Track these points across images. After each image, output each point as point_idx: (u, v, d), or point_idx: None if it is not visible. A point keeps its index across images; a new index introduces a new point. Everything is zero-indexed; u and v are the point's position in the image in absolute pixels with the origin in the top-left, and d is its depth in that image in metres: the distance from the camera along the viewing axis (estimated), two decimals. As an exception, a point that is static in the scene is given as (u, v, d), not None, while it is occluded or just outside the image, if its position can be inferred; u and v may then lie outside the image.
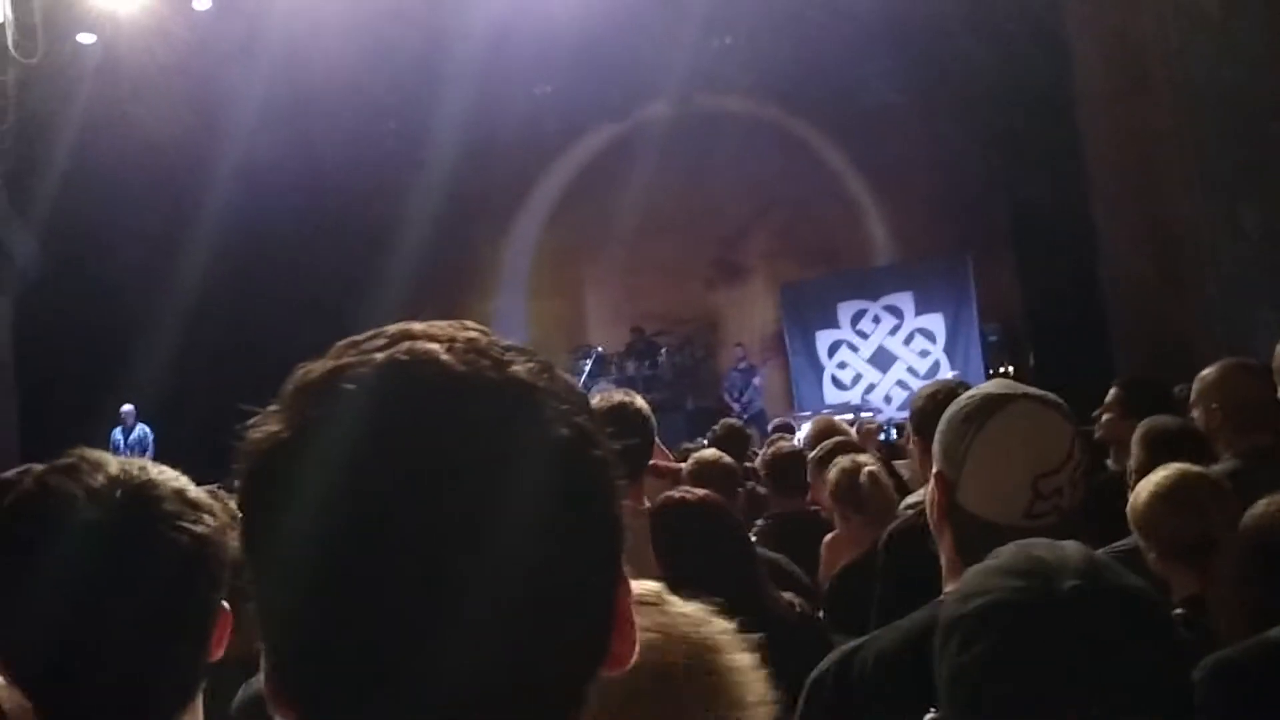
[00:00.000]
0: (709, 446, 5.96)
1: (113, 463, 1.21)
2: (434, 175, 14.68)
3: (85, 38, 11.59)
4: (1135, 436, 3.21)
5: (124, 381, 12.71)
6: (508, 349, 0.71)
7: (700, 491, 3.11)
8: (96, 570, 1.13)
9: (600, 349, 15.34)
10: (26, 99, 10.98)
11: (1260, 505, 2.08)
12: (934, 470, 1.74)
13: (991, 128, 12.89)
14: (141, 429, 12.89)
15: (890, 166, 14.89)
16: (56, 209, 11.36)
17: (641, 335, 15.41)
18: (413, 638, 0.63)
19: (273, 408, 0.70)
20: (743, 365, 14.56)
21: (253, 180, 13.70)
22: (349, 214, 15.77)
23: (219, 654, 1.23)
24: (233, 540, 1.22)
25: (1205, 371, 3.29)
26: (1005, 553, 1.21)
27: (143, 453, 12.82)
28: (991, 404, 1.68)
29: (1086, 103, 9.99)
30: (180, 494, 1.21)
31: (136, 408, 12.84)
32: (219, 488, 1.45)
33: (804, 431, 5.83)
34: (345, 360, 0.69)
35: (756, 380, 14.50)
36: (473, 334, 0.71)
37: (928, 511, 1.77)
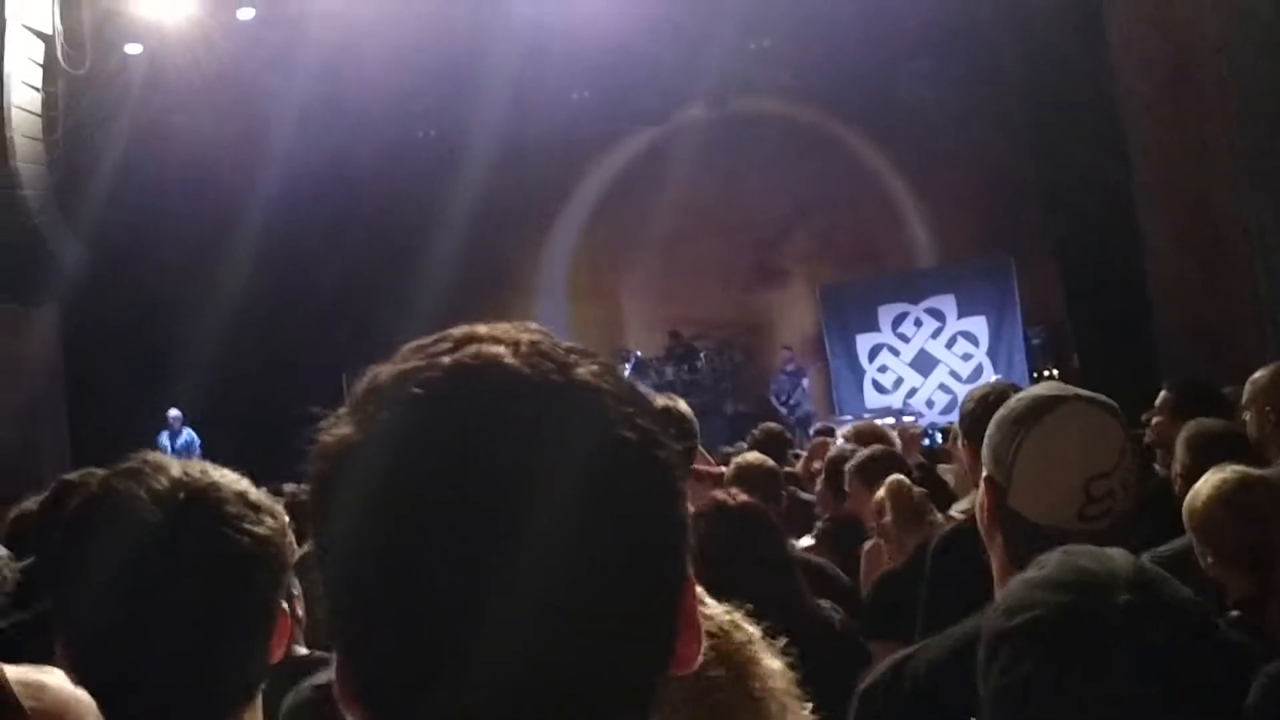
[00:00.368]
0: (749, 451, 5.95)
1: (175, 465, 1.24)
2: (471, 181, 14.75)
3: (132, 48, 11.78)
4: (1180, 439, 3.17)
5: (170, 386, 12.87)
6: (570, 351, 0.72)
7: (742, 497, 3.09)
8: (161, 571, 1.15)
9: (639, 353, 15.34)
10: (75, 109, 11.17)
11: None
12: (984, 474, 1.73)
13: (1032, 128, 12.75)
14: (188, 433, 13.05)
15: (930, 167, 14.79)
16: (104, 217, 11.54)
17: (680, 339, 15.39)
18: (480, 638, 0.64)
19: (343, 410, 0.71)
20: (790, 368, 14.49)
21: (293, 187, 13.84)
22: (388, 220, 15.88)
23: (279, 655, 1.24)
24: (292, 543, 1.23)
25: (1257, 374, 3.24)
26: (1050, 562, 1.17)
27: (190, 457, 12.94)
28: (1042, 406, 1.66)
29: (1129, 101, 9.86)
30: (242, 496, 1.23)
31: (183, 412, 13.00)
32: (266, 491, 1.47)
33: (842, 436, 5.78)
34: (412, 364, 0.70)
35: (805, 383, 14.42)
36: (536, 336, 0.72)
37: (978, 516, 1.76)
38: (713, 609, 1.43)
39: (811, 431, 9.40)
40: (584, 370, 0.70)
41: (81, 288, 11.44)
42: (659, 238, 15.99)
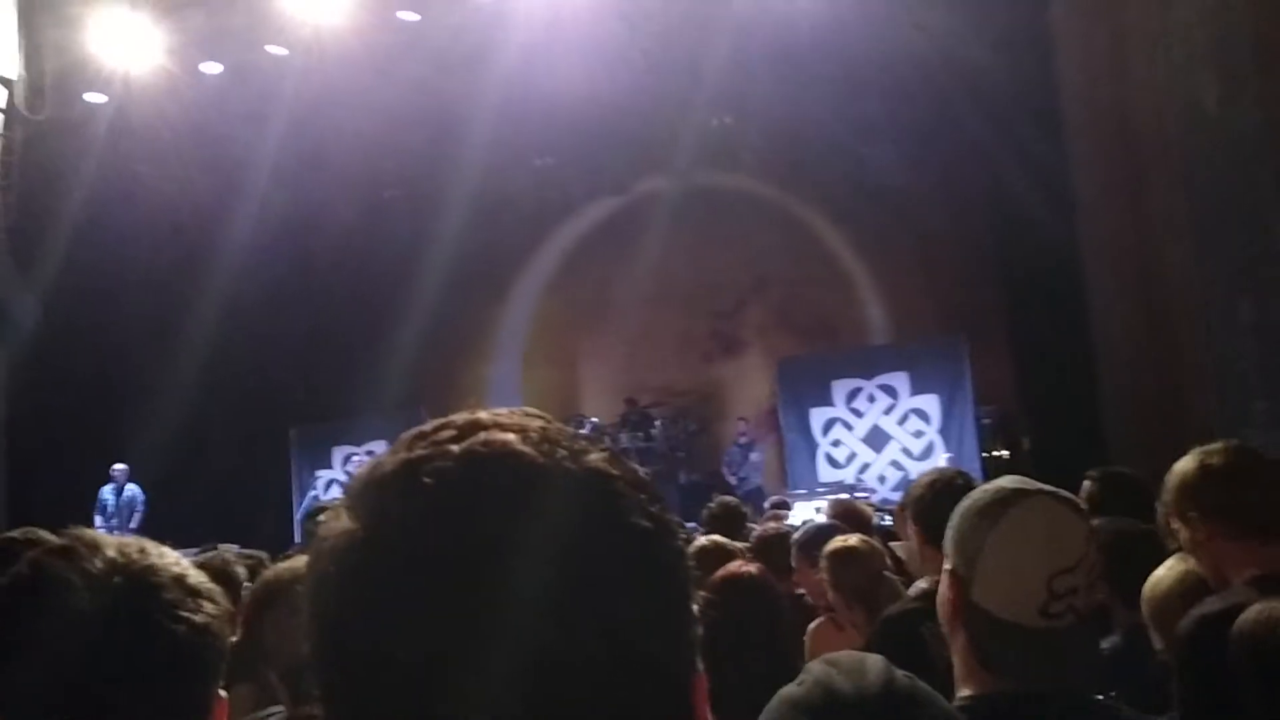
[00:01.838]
0: (704, 525, 5.91)
1: (110, 545, 1.17)
2: (436, 242, 14.78)
3: (96, 98, 11.73)
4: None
5: (119, 441, 12.66)
6: (577, 438, 0.70)
7: (751, 569, 3.06)
8: (93, 661, 1.10)
9: (595, 420, 15.30)
10: (34, 156, 11.07)
11: (1252, 612, 2.05)
12: (946, 567, 1.72)
13: (991, 214, 13.03)
14: (132, 489, 12.78)
15: (887, 247, 15.02)
16: (61, 267, 11.39)
17: (635, 406, 15.38)
18: None
19: (342, 502, 0.69)
20: (743, 440, 14.51)
21: (255, 244, 13.78)
22: (354, 278, 15.84)
23: None
24: (230, 627, 1.19)
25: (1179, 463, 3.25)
26: (809, 678, 1.18)
27: (132, 513, 12.71)
28: (1006, 500, 1.67)
29: (1084, 191, 10.11)
30: (180, 581, 1.17)
31: (130, 468, 12.75)
32: (212, 549, 1.42)
33: (797, 513, 5.75)
34: (418, 453, 0.68)
35: (754, 456, 14.43)
36: (542, 423, 0.71)
37: (939, 609, 1.75)
38: None
39: (766, 505, 9.36)
40: (596, 457, 0.69)
41: (31, 338, 11.24)
42: (618, 305, 16.06)
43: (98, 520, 12.55)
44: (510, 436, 0.68)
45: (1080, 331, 10.39)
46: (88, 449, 12.37)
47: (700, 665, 0.72)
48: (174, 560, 1.20)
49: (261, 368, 14.20)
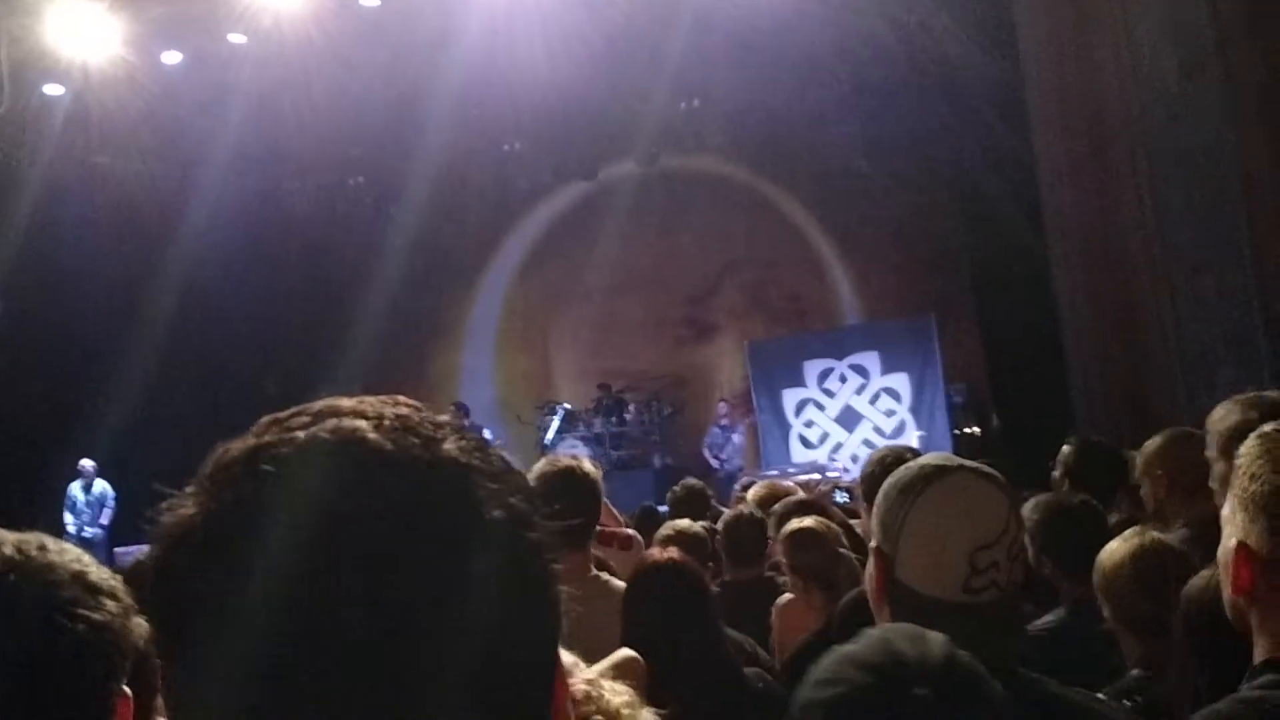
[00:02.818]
0: (669, 507, 5.92)
1: (8, 542, 1.15)
2: (403, 229, 14.73)
3: (53, 89, 11.58)
4: (1029, 507, 3.17)
5: (84, 436, 12.54)
6: (439, 426, 0.68)
7: (672, 553, 3.06)
8: None
9: (567, 405, 15.29)
10: (-9, 149, 10.95)
11: (1200, 578, 2.06)
12: (871, 545, 1.72)
13: (955, 190, 13.07)
14: (101, 485, 12.67)
15: (856, 227, 15.06)
16: (19, 259, 11.27)
17: (609, 391, 15.38)
18: None
19: (189, 489, 0.66)
20: (724, 422, 14.52)
21: (221, 232, 13.69)
22: (316, 267, 15.75)
23: None
24: (136, 626, 1.17)
25: (1150, 441, 3.29)
26: (870, 639, 1.18)
27: (101, 508, 12.61)
28: (927, 476, 1.66)
29: (1048, 166, 10.13)
30: (79, 577, 1.15)
31: (97, 462, 12.64)
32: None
33: (750, 495, 5.75)
34: (266, 439, 0.66)
35: (736, 438, 14.46)
36: (404, 410, 0.68)
37: (867, 587, 1.75)
38: (573, 681, 1.39)
39: (736, 487, 9.39)
40: (451, 445, 0.66)
41: (-6, 332, 11.14)
42: (590, 290, 16.05)
43: (68, 518, 12.46)
44: (361, 423, 0.65)
45: (1047, 307, 10.43)
46: (53, 444, 12.25)
47: (559, 658, 0.69)
48: (75, 557, 1.17)
49: (227, 360, 14.10)
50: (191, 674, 0.63)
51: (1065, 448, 4.08)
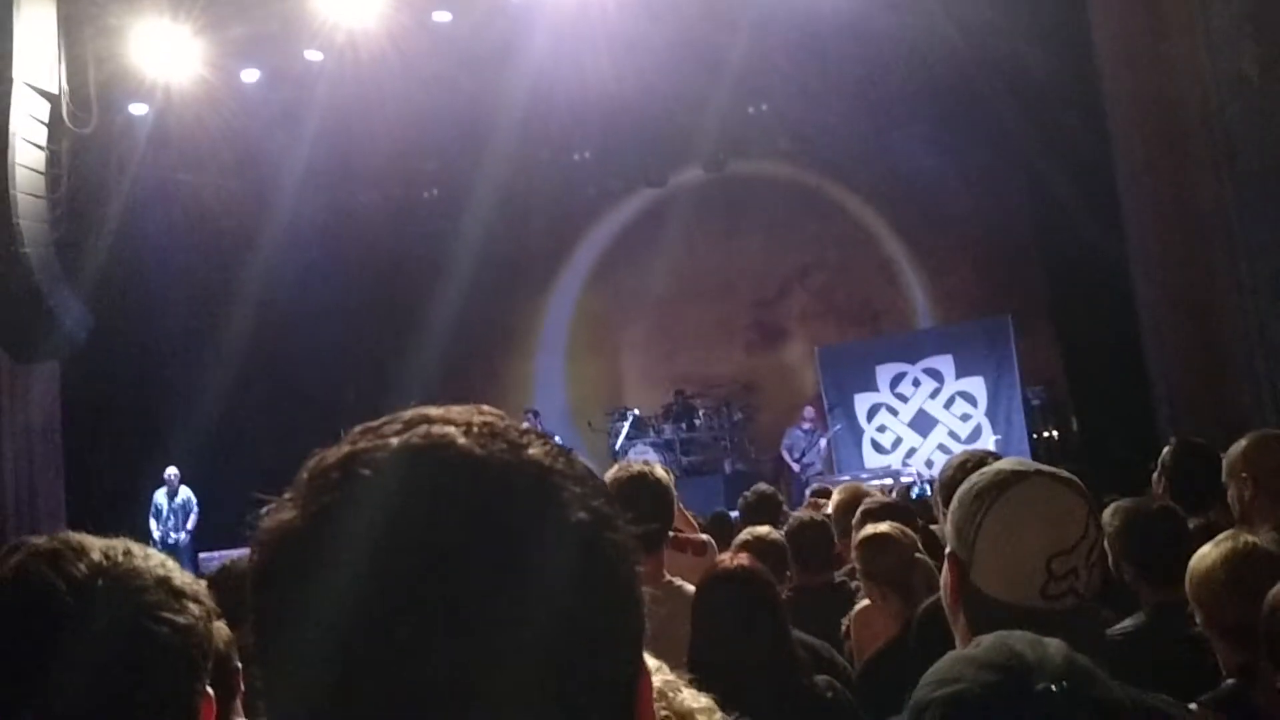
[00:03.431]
0: (740, 513, 5.90)
1: (95, 549, 1.18)
2: (474, 240, 14.88)
3: (137, 108, 11.92)
4: (1109, 513, 3.12)
5: (169, 445, 12.87)
6: (524, 433, 0.70)
7: (742, 560, 3.05)
8: (76, 665, 1.11)
9: (637, 411, 15.32)
10: (79, 167, 11.28)
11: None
12: (947, 550, 1.71)
13: (1028, 191, 12.86)
14: (186, 492, 12.99)
15: (928, 229, 14.90)
16: (106, 275, 11.60)
17: (683, 397, 15.38)
18: None
19: (287, 495, 0.69)
20: (807, 425, 14.41)
21: (296, 246, 13.94)
22: (391, 279, 15.98)
23: None
24: (217, 628, 1.21)
25: (1235, 444, 3.23)
26: (986, 641, 1.18)
27: (186, 516, 12.94)
28: (1004, 482, 1.65)
29: (1125, 165, 9.95)
30: (164, 583, 1.18)
31: (181, 471, 12.96)
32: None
33: (833, 500, 5.71)
34: (360, 445, 0.68)
35: (822, 443, 14.32)
36: (489, 418, 0.70)
37: (942, 593, 1.74)
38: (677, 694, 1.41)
39: (808, 493, 9.34)
40: (536, 450, 0.68)
41: (82, 346, 11.46)
42: (658, 296, 16.08)
43: (153, 525, 12.79)
44: (450, 429, 0.68)
45: (1125, 309, 10.23)
46: (139, 453, 12.58)
47: (644, 662, 0.71)
48: (159, 562, 1.21)
49: (303, 371, 14.36)
50: (285, 672, 0.65)
51: (1165, 450, 4.02)
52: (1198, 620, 2.60)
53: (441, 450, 0.67)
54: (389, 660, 0.61)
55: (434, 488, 0.65)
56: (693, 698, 1.52)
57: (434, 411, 0.71)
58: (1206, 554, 2.60)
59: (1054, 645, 1.14)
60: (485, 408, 0.73)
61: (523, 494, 0.66)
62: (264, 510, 0.69)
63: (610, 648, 0.67)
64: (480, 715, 0.62)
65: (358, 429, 0.71)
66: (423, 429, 0.68)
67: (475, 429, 0.68)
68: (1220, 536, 2.63)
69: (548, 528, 0.66)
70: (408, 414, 0.71)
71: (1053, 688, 1.08)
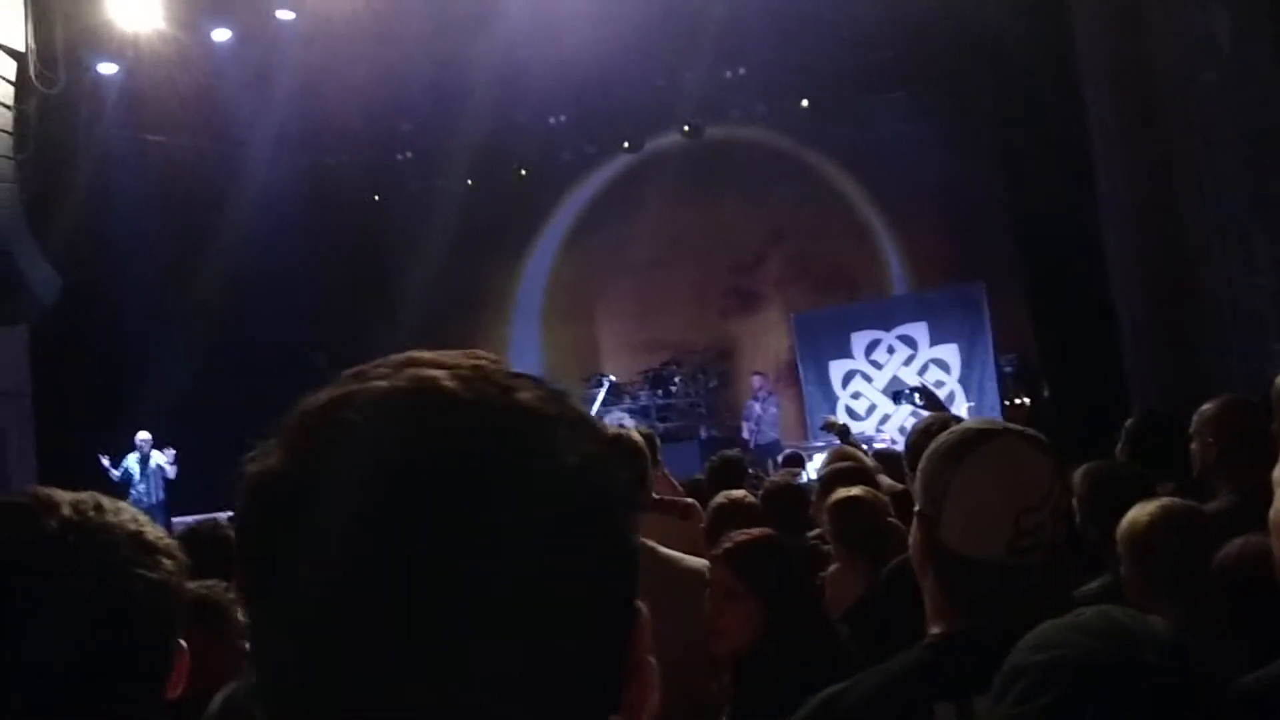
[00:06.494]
0: (705, 478, 5.94)
1: (65, 503, 1.17)
2: (449, 203, 14.79)
3: (106, 68, 11.74)
4: (1079, 475, 3.17)
5: (141, 408, 12.78)
6: (515, 376, 0.69)
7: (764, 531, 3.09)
8: (47, 622, 1.10)
9: (613, 377, 15.33)
10: (47, 127, 11.10)
11: (1235, 543, 2.05)
12: (915, 509, 1.73)
13: (1003, 157, 12.88)
14: (158, 456, 12.92)
15: (903, 195, 14.91)
16: (76, 237, 11.46)
17: (665, 365, 15.39)
18: (416, 673, 0.61)
19: (272, 440, 0.68)
20: (761, 394, 14.49)
21: (269, 208, 13.81)
22: (364, 242, 15.88)
23: (177, 693, 1.21)
24: (189, 582, 1.20)
25: (1204, 406, 3.26)
26: (1087, 614, 1.18)
27: (158, 479, 12.87)
28: (971, 440, 1.67)
29: (1098, 133, 9.97)
30: (136, 538, 1.17)
31: (154, 434, 12.89)
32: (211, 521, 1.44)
33: (817, 463, 5.77)
34: (348, 389, 0.67)
35: (769, 410, 14.38)
36: (480, 361, 0.69)
37: (911, 551, 1.76)
38: None
39: (780, 459, 9.39)
40: (527, 394, 0.67)
41: (50, 308, 11.33)
42: (635, 262, 16.05)
43: (127, 488, 12.72)
44: (439, 373, 0.67)
45: (1098, 275, 10.29)
46: (111, 419, 12.50)
47: (640, 611, 0.69)
48: (130, 517, 1.20)
49: (277, 334, 14.27)
50: (273, 615, 0.65)
51: (1129, 420, 4.07)
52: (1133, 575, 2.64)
53: (428, 394, 0.66)
54: (375, 604, 0.61)
55: (419, 431, 0.64)
56: None
57: (424, 355, 0.70)
58: (1143, 507, 2.66)
59: (1157, 621, 1.15)
60: (478, 351, 0.72)
61: (512, 437, 0.65)
62: (249, 455, 0.68)
63: (602, 591, 0.66)
64: (471, 656, 0.61)
65: (347, 373, 0.70)
66: (410, 372, 0.67)
67: (464, 372, 0.67)
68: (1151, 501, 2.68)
69: (537, 471, 0.64)
70: (397, 357, 0.70)
71: (1161, 659, 1.09)
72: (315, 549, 0.62)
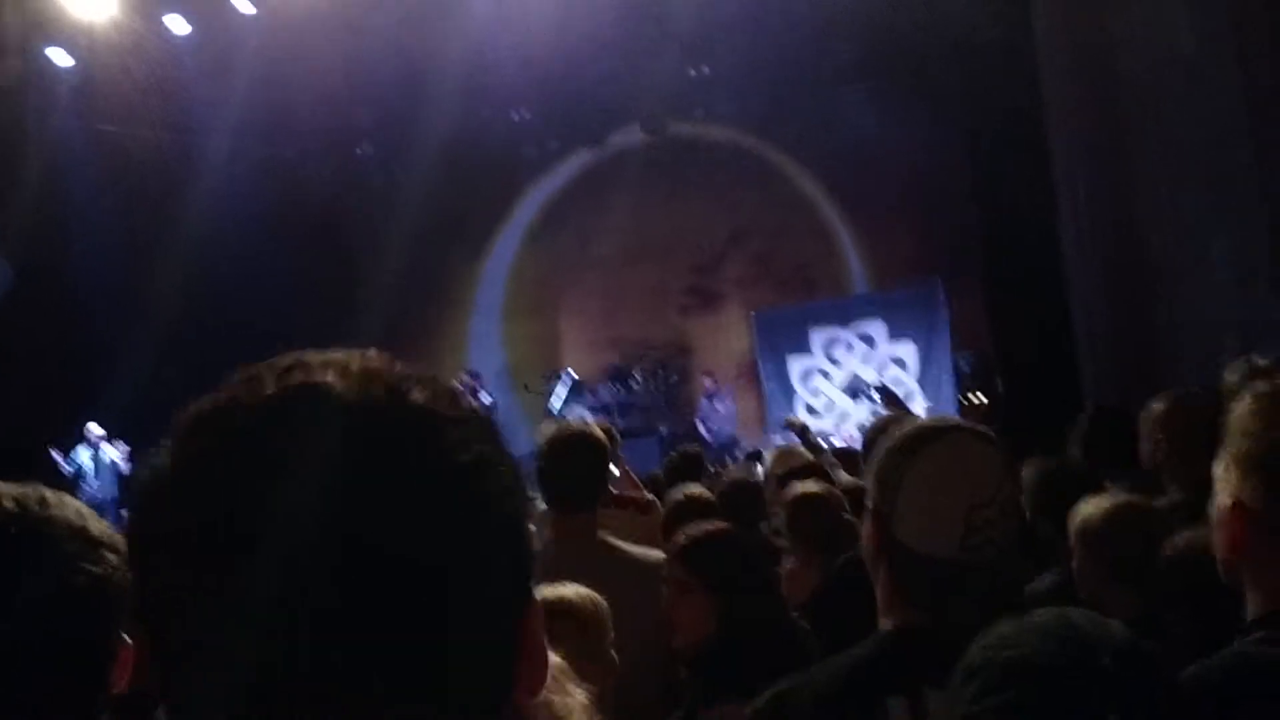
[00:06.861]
0: (665, 475, 5.97)
1: (8, 496, 1.16)
2: (411, 197, 14.68)
3: (60, 56, 11.57)
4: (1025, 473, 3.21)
5: (96, 401, 12.62)
6: (406, 376, 0.69)
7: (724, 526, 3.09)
8: None
9: (574, 373, 15.31)
10: (-1, 116, 10.95)
11: (1183, 536, 2.09)
12: (868, 505, 1.74)
13: (964, 156, 12.99)
14: (109, 449, 12.74)
15: (864, 194, 15.00)
16: (28, 228, 11.30)
17: (629, 363, 15.39)
18: (307, 673, 0.61)
19: (164, 442, 0.68)
20: (711, 393, 14.51)
21: (228, 200, 13.66)
22: (325, 235, 15.74)
23: (122, 686, 1.20)
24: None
25: (1153, 403, 3.30)
26: (1045, 615, 1.19)
27: (109, 473, 12.69)
28: (922, 437, 1.69)
29: (1060, 134, 10.07)
30: (80, 532, 1.17)
31: (106, 428, 12.72)
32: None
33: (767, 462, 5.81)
34: (232, 393, 0.68)
35: (720, 407, 14.38)
36: (371, 363, 0.69)
37: (863, 547, 1.77)
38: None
39: (740, 456, 9.41)
40: (418, 394, 0.68)
41: (3, 299, 11.17)
42: (597, 259, 16.04)
43: (83, 486, 12.53)
44: (327, 376, 0.67)
45: (1056, 275, 10.41)
46: (62, 409, 12.32)
47: (535, 599, 0.72)
48: (75, 510, 1.19)
49: (236, 326, 14.13)
50: (158, 608, 0.65)
51: (1081, 415, 4.10)
52: (1085, 568, 2.67)
53: (317, 396, 0.66)
54: (263, 599, 0.61)
55: (303, 434, 0.64)
56: (568, 694, 1.50)
57: (313, 357, 0.70)
58: (1093, 501, 2.69)
59: (1115, 625, 1.16)
60: (371, 352, 0.71)
61: (402, 438, 0.65)
62: (143, 457, 0.68)
63: (494, 584, 0.67)
64: (366, 646, 0.62)
65: (238, 374, 0.70)
66: (297, 375, 0.68)
67: (353, 372, 0.68)
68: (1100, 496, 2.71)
69: (428, 471, 0.65)
70: (286, 359, 0.70)
71: (1114, 662, 1.09)
72: (197, 549, 0.63)
